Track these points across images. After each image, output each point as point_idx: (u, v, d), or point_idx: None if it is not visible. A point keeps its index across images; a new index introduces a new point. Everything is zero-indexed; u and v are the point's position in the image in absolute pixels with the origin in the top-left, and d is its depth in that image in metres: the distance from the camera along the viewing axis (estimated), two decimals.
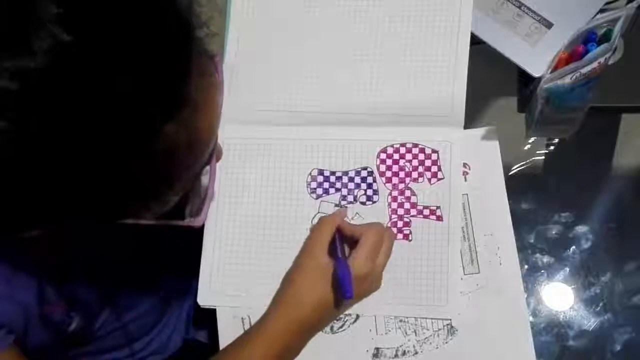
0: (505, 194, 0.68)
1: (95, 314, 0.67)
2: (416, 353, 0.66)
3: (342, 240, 0.65)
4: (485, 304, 0.66)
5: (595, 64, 0.61)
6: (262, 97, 0.73)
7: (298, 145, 0.71)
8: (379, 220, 0.68)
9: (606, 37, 0.62)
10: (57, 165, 0.36)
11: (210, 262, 0.70)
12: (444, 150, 0.69)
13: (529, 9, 0.73)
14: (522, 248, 0.71)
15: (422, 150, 0.69)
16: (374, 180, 0.70)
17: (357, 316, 0.67)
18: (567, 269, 0.70)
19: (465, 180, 0.69)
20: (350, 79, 0.71)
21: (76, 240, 0.60)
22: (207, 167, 0.50)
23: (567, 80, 0.62)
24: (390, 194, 0.69)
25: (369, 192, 0.69)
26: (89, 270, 0.64)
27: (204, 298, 0.69)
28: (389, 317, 0.67)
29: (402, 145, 0.70)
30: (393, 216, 0.68)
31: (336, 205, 0.69)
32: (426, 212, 0.68)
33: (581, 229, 0.71)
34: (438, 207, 0.68)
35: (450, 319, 0.66)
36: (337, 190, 0.70)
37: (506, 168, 0.71)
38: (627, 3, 0.71)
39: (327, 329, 0.67)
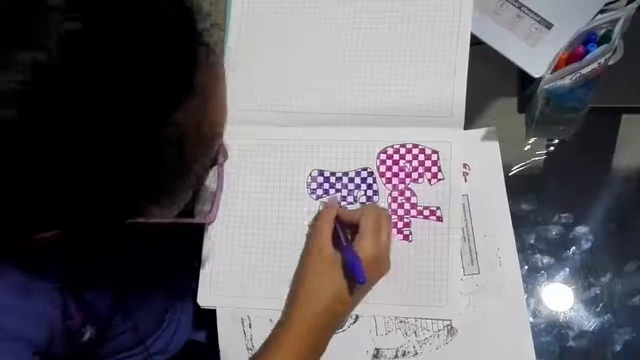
0: (506, 195, 0.68)
1: (107, 322, 0.67)
2: (416, 354, 0.66)
3: (343, 228, 0.65)
4: (485, 304, 0.66)
5: (595, 65, 0.61)
6: (262, 97, 0.73)
7: (298, 146, 0.71)
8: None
9: (606, 38, 0.62)
10: (70, 155, 0.36)
11: (210, 262, 0.70)
12: (444, 151, 0.69)
13: (529, 9, 0.73)
14: (522, 248, 0.70)
15: (422, 151, 0.69)
16: (374, 181, 0.70)
17: (357, 317, 0.67)
18: (567, 270, 0.70)
19: (466, 180, 0.69)
20: (350, 80, 0.71)
21: (89, 249, 0.59)
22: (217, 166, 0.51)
23: (567, 81, 0.62)
24: (390, 194, 0.69)
25: (369, 192, 0.69)
26: (101, 279, 0.64)
27: (204, 298, 0.70)
28: (389, 317, 0.67)
29: (402, 145, 0.70)
30: (393, 217, 0.68)
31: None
32: (426, 212, 0.68)
33: (581, 229, 0.71)
34: (438, 208, 0.68)
35: (451, 320, 0.66)
36: (337, 190, 0.70)
37: (506, 168, 0.71)
38: (627, 4, 0.71)
39: None
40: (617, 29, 0.60)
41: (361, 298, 0.66)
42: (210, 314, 0.69)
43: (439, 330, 0.66)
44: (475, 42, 0.71)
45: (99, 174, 0.38)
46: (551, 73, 0.63)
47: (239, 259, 0.70)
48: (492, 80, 0.76)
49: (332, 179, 0.70)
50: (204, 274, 0.70)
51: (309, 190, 0.70)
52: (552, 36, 0.72)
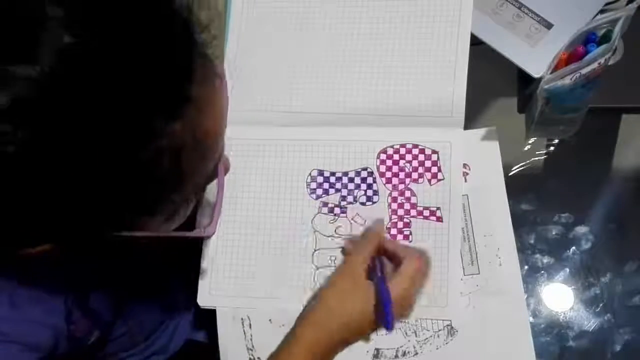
0: (505, 195, 0.68)
1: (111, 324, 0.67)
2: (416, 354, 0.66)
3: (383, 262, 0.63)
4: (485, 304, 0.66)
5: (595, 65, 0.61)
6: (262, 97, 0.73)
7: (298, 146, 0.71)
8: (379, 221, 0.68)
9: (606, 38, 0.62)
10: (67, 168, 0.36)
11: (210, 262, 0.70)
12: (444, 151, 0.69)
13: (529, 9, 0.73)
14: (522, 249, 0.70)
15: (422, 151, 0.69)
16: (374, 181, 0.70)
17: None
18: (567, 270, 0.70)
19: (466, 181, 0.69)
20: (350, 80, 0.71)
21: (93, 257, 0.59)
22: (216, 178, 0.50)
23: (567, 81, 0.62)
24: (390, 194, 0.69)
25: (369, 192, 0.69)
26: (104, 283, 0.63)
27: (204, 298, 0.70)
28: None
29: (402, 145, 0.70)
30: (393, 217, 0.68)
31: (336, 206, 0.69)
32: (426, 212, 0.68)
33: (581, 229, 0.71)
34: (438, 208, 0.68)
35: (451, 320, 0.66)
36: (337, 190, 0.70)
37: (506, 168, 0.71)
38: (627, 4, 0.71)
39: None
40: (617, 29, 0.60)
41: (375, 332, 0.64)
42: (210, 314, 0.69)
43: (439, 330, 0.66)
44: (475, 42, 0.71)
45: (93, 185, 0.37)
46: (551, 73, 0.62)
47: (239, 259, 0.70)
48: (492, 80, 0.76)
49: (332, 179, 0.70)
50: (204, 274, 0.70)
51: (308, 190, 0.70)
52: (552, 36, 0.72)
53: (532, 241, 0.71)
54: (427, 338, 0.66)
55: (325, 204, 0.70)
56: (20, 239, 0.41)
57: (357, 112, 0.71)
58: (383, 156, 0.70)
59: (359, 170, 0.70)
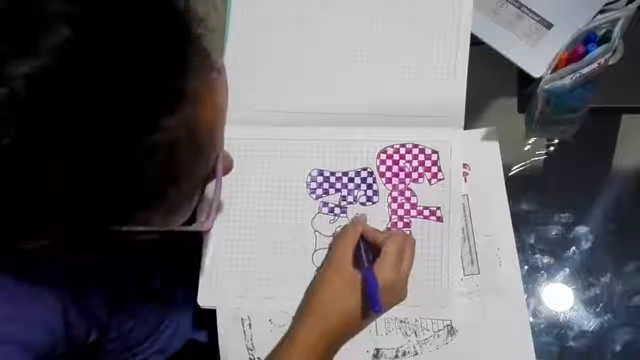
0: (505, 195, 0.68)
1: (107, 325, 0.67)
2: (416, 354, 0.66)
3: (367, 249, 0.64)
4: (485, 304, 0.66)
5: (595, 65, 0.61)
6: (262, 97, 0.73)
7: (298, 146, 0.71)
8: (379, 221, 0.68)
9: (606, 38, 0.62)
10: (61, 162, 0.36)
11: (210, 262, 0.70)
12: (444, 151, 0.69)
13: (528, 9, 0.73)
14: (522, 249, 0.70)
15: (422, 151, 0.69)
16: (374, 181, 0.70)
17: None
18: (567, 270, 0.70)
19: (465, 181, 0.69)
20: (350, 80, 0.71)
21: (93, 253, 0.59)
22: (216, 173, 0.50)
23: (567, 81, 0.62)
24: (390, 194, 0.69)
25: (369, 192, 0.69)
26: (102, 284, 0.63)
27: (204, 298, 0.69)
28: (389, 317, 0.67)
29: (402, 145, 0.70)
30: (393, 217, 0.68)
31: (336, 206, 0.69)
32: (426, 212, 0.68)
33: (581, 229, 0.71)
34: (438, 208, 0.68)
35: (451, 320, 0.66)
36: (337, 190, 0.70)
37: (506, 168, 0.71)
38: (627, 4, 0.71)
39: None
40: (617, 29, 0.60)
41: (371, 321, 0.65)
42: (210, 314, 0.69)
43: (439, 331, 0.66)
44: (475, 42, 0.71)
45: (88, 179, 0.37)
46: (551, 73, 0.63)
47: (239, 259, 0.70)
48: (492, 80, 0.76)
49: (332, 179, 0.70)
50: (204, 274, 0.70)
51: (308, 190, 0.70)
52: (552, 36, 0.72)
53: (532, 241, 0.71)
54: (427, 338, 0.66)
55: (325, 204, 0.70)
56: (17, 233, 0.40)
57: (357, 112, 0.71)
58: (383, 156, 0.70)
59: (359, 170, 0.70)
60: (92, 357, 0.67)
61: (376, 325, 0.67)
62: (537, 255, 0.71)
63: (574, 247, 0.71)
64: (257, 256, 0.70)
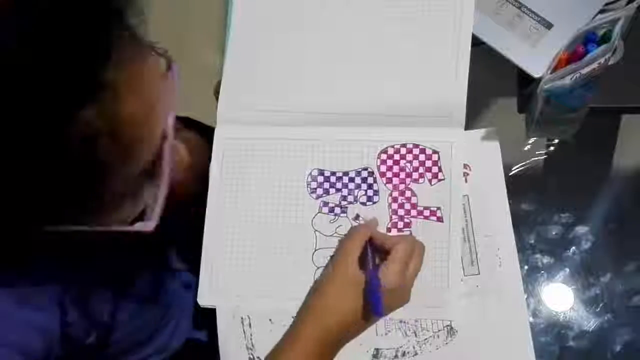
0: (506, 195, 0.68)
1: (110, 326, 0.66)
2: (416, 354, 0.66)
3: (373, 252, 0.64)
4: (485, 305, 0.66)
5: (595, 65, 0.61)
6: (262, 97, 0.73)
7: (298, 145, 0.71)
8: (379, 221, 0.68)
9: (606, 38, 0.62)
10: None
11: (210, 262, 0.70)
12: (444, 151, 0.69)
13: (529, 9, 0.73)
14: (522, 248, 0.70)
15: (423, 151, 0.69)
16: (375, 181, 0.70)
17: None
18: (567, 270, 0.70)
19: (466, 181, 0.69)
20: (351, 80, 0.71)
21: (91, 256, 0.58)
22: (159, 171, 0.48)
23: (567, 81, 0.62)
24: (390, 194, 0.69)
25: (370, 192, 0.69)
26: (102, 283, 0.63)
27: (204, 298, 0.69)
28: (389, 317, 0.67)
29: (403, 145, 0.70)
30: (393, 217, 0.68)
31: (336, 205, 0.69)
32: (426, 212, 0.68)
33: (581, 229, 0.71)
34: (438, 208, 0.68)
35: (450, 320, 0.66)
36: (338, 190, 0.70)
37: (506, 168, 0.71)
38: (627, 4, 0.71)
39: None
40: (617, 29, 0.60)
41: (372, 324, 0.65)
42: (210, 314, 0.69)
43: (439, 331, 0.66)
44: (476, 42, 0.71)
45: (6, 175, 0.36)
46: (551, 73, 0.63)
47: (239, 258, 0.70)
48: (492, 80, 0.76)
49: (333, 179, 0.70)
50: (204, 273, 0.70)
51: (309, 189, 0.70)
52: (552, 36, 0.72)
53: (532, 241, 0.71)
54: (427, 338, 0.66)
55: (325, 204, 0.70)
56: None
57: (357, 112, 0.71)
58: (384, 156, 0.70)
59: (360, 170, 0.70)
60: (93, 359, 0.67)
61: (376, 325, 0.67)
62: (537, 255, 0.71)
63: (574, 247, 0.71)
64: (257, 256, 0.70)
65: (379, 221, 0.68)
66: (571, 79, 0.62)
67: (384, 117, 0.70)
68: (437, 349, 0.66)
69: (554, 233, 0.72)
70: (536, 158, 0.75)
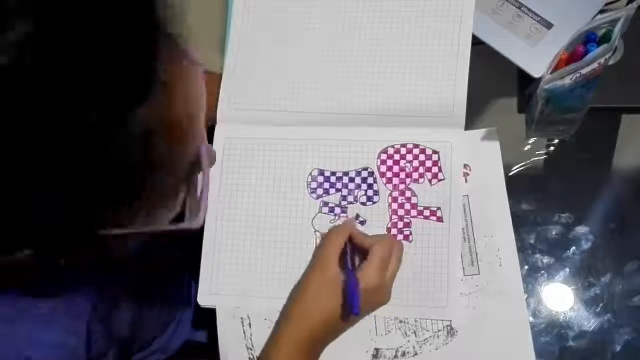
0: (506, 195, 0.68)
1: (130, 340, 0.66)
2: (416, 354, 0.66)
3: (352, 252, 0.65)
4: (485, 305, 0.66)
5: (595, 65, 0.61)
6: (262, 97, 0.73)
7: (298, 145, 0.71)
8: (379, 221, 0.68)
9: (606, 38, 0.62)
10: (31, 157, 0.34)
11: (210, 262, 0.70)
12: (444, 151, 0.69)
13: (528, 9, 0.73)
14: (522, 249, 0.70)
15: (423, 151, 0.69)
16: (375, 181, 0.70)
17: None
18: (567, 270, 0.70)
19: (466, 181, 0.69)
20: (351, 80, 0.71)
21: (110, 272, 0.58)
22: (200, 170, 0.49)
23: (567, 80, 0.62)
24: (390, 194, 0.69)
25: (370, 192, 0.69)
26: (124, 298, 0.63)
27: (204, 298, 0.70)
28: (388, 317, 0.67)
29: (403, 145, 0.70)
30: (393, 217, 0.68)
31: (336, 205, 0.69)
32: (426, 212, 0.68)
33: (581, 229, 0.71)
34: (438, 208, 0.68)
35: (450, 320, 0.66)
36: (338, 190, 0.70)
37: (506, 168, 0.71)
38: (627, 3, 0.71)
39: None
40: (617, 29, 0.60)
41: (352, 325, 0.65)
42: (210, 314, 0.69)
43: (439, 331, 0.66)
44: (476, 42, 0.71)
45: (59, 176, 0.36)
46: (551, 73, 0.62)
47: (239, 258, 0.70)
48: (492, 80, 0.76)
49: (333, 179, 0.70)
50: (204, 273, 0.70)
51: (309, 189, 0.70)
52: (552, 36, 0.72)
53: (532, 241, 0.71)
54: (426, 338, 0.66)
55: (325, 204, 0.70)
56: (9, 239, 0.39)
57: (357, 112, 0.71)
58: (384, 156, 0.70)
59: (360, 170, 0.70)
60: None
61: (376, 325, 0.67)
62: (537, 255, 0.71)
63: (574, 247, 0.71)
64: (257, 256, 0.70)
65: (379, 221, 0.68)
66: (571, 79, 0.62)
67: (384, 117, 0.70)
68: (437, 349, 0.66)
69: (554, 233, 0.72)
70: (536, 158, 0.75)
